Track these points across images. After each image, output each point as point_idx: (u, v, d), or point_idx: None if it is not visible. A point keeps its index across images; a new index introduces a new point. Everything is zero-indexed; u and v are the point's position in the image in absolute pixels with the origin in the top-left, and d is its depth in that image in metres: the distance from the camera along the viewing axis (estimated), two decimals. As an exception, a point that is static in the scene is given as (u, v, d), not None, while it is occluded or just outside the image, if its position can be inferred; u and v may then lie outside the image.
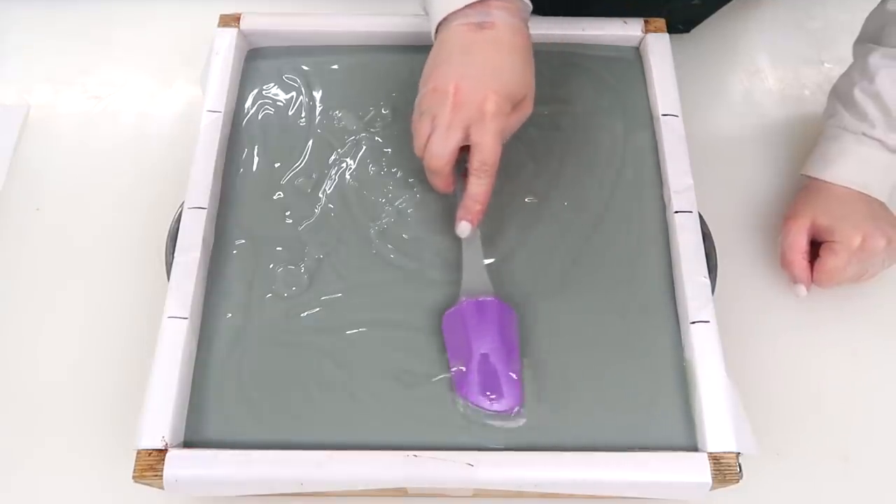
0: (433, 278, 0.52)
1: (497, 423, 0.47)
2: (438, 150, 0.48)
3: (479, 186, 0.49)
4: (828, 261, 0.57)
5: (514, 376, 0.48)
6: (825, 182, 0.59)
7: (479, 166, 0.48)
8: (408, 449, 0.45)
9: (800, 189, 0.62)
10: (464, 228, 0.50)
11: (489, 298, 0.50)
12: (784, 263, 0.59)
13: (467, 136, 0.48)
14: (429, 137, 0.48)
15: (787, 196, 0.64)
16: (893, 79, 0.56)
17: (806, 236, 0.58)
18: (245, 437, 0.47)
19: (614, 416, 0.48)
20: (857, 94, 0.58)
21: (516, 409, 0.47)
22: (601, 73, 0.61)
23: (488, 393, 0.47)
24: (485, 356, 0.48)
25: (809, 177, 0.60)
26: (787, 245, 0.58)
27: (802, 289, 0.58)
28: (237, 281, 0.52)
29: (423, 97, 0.49)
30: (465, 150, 0.49)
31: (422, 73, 0.51)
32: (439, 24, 0.50)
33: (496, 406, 0.47)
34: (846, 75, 0.60)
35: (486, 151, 0.47)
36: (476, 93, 0.47)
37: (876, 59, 0.57)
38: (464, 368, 0.48)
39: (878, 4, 0.59)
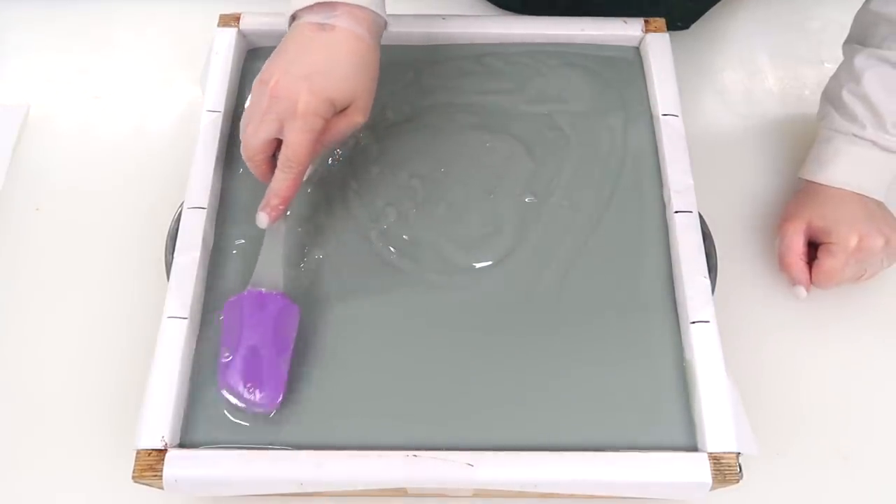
0: (433, 280, 0.52)
1: (253, 414, 0.47)
2: (250, 140, 0.48)
3: (281, 181, 0.48)
4: (825, 262, 0.57)
5: (279, 372, 0.47)
6: (821, 185, 0.59)
7: (285, 162, 0.48)
8: (408, 449, 0.45)
9: (797, 191, 0.62)
10: (260, 220, 0.50)
11: (273, 293, 0.50)
12: (782, 266, 0.59)
13: (281, 130, 0.48)
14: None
15: (787, 196, 0.64)
16: (879, 79, 0.56)
17: (802, 238, 0.58)
18: (245, 437, 0.47)
19: (614, 416, 0.48)
20: (846, 95, 0.58)
21: (276, 406, 0.47)
22: (601, 72, 0.61)
23: (249, 385, 0.47)
24: (253, 348, 0.47)
25: (806, 180, 0.61)
26: (785, 248, 0.59)
27: (802, 290, 0.58)
28: (237, 281, 0.52)
29: (253, 86, 0.50)
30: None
31: None
32: (291, 19, 0.51)
33: (255, 398, 0.47)
34: (835, 77, 0.61)
35: (292, 148, 0.47)
36: (292, 90, 0.47)
37: (862, 59, 0.58)
38: (229, 357, 0.48)
39: (863, 5, 0.59)
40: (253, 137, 0.48)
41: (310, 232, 0.54)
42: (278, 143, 0.49)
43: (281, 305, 0.49)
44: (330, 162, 0.57)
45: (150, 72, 0.73)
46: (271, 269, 0.50)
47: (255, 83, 0.49)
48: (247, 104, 0.50)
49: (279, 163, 0.48)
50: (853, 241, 0.56)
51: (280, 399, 0.47)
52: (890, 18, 0.56)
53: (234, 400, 0.47)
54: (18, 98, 0.71)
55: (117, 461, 0.49)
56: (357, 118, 0.50)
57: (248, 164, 0.50)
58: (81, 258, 0.62)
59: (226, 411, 0.48)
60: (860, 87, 0.57)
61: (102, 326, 0.59)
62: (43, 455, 0.54)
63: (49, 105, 0.71)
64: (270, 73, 0.48)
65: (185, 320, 0.49)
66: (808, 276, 0.58)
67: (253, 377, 0.47)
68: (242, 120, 0.50)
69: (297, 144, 0.47)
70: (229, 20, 0.61)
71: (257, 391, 0.47)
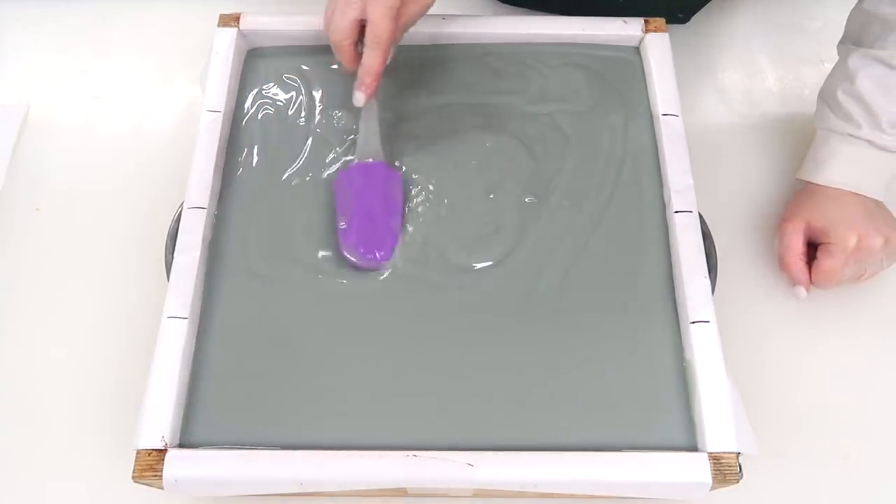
0: (433, 280, 0.52)
1: (368, 269, 0.52)
2: (337, 25, 0.53)
3: (370, 59, 0.53)
4: (824, 262, 0.57)
5: (392, 232, 0.53)
6: (819, 185, 0.59)
7: (371, 39, 0.52)
8: (408, 449, 0.45)
9: (796, 191, 0.62)
10: (357, 98, 0.54)
11: (377, 163, 0.55)
12: (782, 266, 0.59)
13: (364, 11, 0.52)
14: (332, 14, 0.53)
15: (787, 196, 0.64)
16: (872, 79, 0.56)
17: (802, 238, 0.58)
18: (244, 438, 0.47)
19: (614, 416, 0.48)
20: (841, 95, 0.58)
21: (388, 262, 0.52)
22: (601, 72, 0.61)
23: (366, 245, 0.52)
24: (366, 213, 0.53)
25: (805, 180, 0.61)
26: (784, 248, 0.59)
27: (802, 290, 0.58)
28: (237, 281, 0.52)
29: None
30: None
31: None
32: None
33: (372, 257, 0.52)
34: (830, 78, 0.61)
35: (377, 26, 0.51)
36: None
37: (855, 60, 0.58)
38: (345, 225, 0.53)
39: (856, 5, 0.60)
40: (339, 23, 0.52)
41: (310, 232, 0.54)
42: (361, 32, 0.53)
43: (385, 172, 0.55)
44: (329, 161, 0.57)
45: (150, 72, 0.73)
46: (372, 143, 0.56)
47: None
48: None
49: (366, 42, 0.52)
50: (852, 241, 0.56)
51: (391, 256, 0.53)
52: (882, 18, 0.56)
53: (354, 260, 0.52)
54: (18, 98, 0.71)
55: (117, 461, 0.49)
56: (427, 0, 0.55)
57: (336, 51, 0.54)
58: (81, 258, 0.62)
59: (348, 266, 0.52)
60: (854, 87, 0.57)
61: (102, 326, 0.59)
62: (43, 455, 0.54)
63: (49, 105, 0.71)
64: None
65: (185, 320, 0.49)
66: (807, 276, 0.58)
67: (369, 238, 0.52)
68: (325, 13, 0.54)
69: (380, 21, 0.51)
70: (229, 20, 0.61)
71: (375, 251, 0.52)
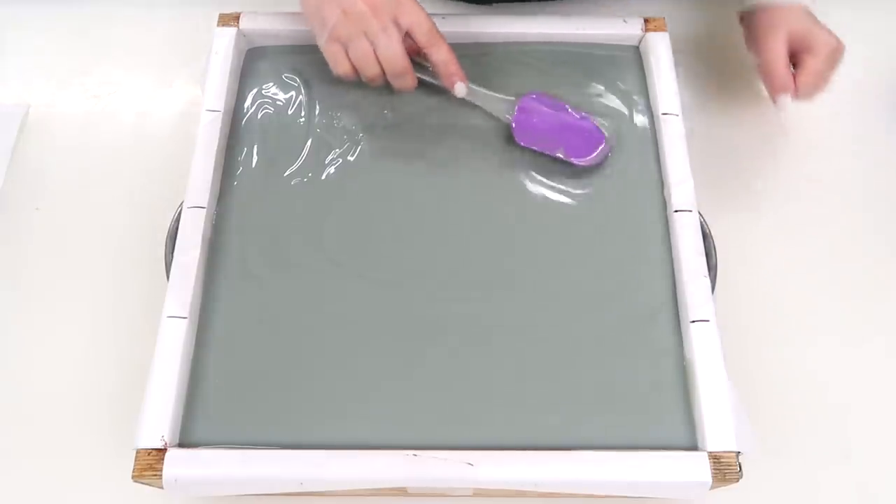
0: (434, 280, 0.52)
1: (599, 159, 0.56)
2: (392, 52, 0.53)
3: (440, 54, 0.54)
4: (810, 63, 0.57)
5: (585, 123, 0.57)
6: (777, 8, 0.59)
7: (427, 37, 0.53)
8: (408, 448, 0.45)
9: (754, 24, 0.61)
10: (460, 88, 0.56)
11: (518, 104, 0.57)
12: (766, 77, 0.59)
13: (399, 24, 0.52)
14: (375, 53, 0.53)
15: (787, 193, 0.64)
16: None
17: (786, 47, 0.58)
18: (244, 437, 0.47)
19: (614, 416, 0.48)
20: None
21: (603, 145, 0.56)
22: (601, 72, 0.61)
23: (586, 147, 0.56)
24: (561, 129, 0.57)
25: (755, 13, 0.61)
26: (771, 57, 0.58)
27: (787, 98, 0.58)
28: (237, 281, 0.52)
29: (336, 26, 0.52)
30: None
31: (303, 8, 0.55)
32: None
33: (591, 153, 0.56)
34: None
35: (424, 23, 0.53)
36: None
37: None
38: (561, 155, 0.56)
39: None
40: (392, 49, 0.52)
41: (310, 232, 0.54)
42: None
43: (536, 100, 0.58)
44: (328, 161, 0.57)
45: (150, 72, 0.73)
46: (499, 102, 0.58)
47: (339, 20, 0.52)
48: (333, 50, 0.54)
49: (425, 43, 0.53)
50: (833, 41, 0.57)
51: (604, 137, 0.57)
52: None
53: (586, 164, 0.56)
54: (18, 98, 0.71)
55: (117, 461, 0.49)
56: None
57: (400, 81, 0.55)
58: (81, 258, 0.62)
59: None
60: None
61: (102, 326, 0.59)
62: (43, 455, 0.54)
63: (49, 105, 0.71)
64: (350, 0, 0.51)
65: (185, 320, 0.49)
66: (792, 81, 0.58)
67: (583, 143, 0.56)
68: (364, 58, 0.53)
69: (423, 20, 0.53)
70: (229, 20, 0.61)
71: (588, 147, 0.56)
